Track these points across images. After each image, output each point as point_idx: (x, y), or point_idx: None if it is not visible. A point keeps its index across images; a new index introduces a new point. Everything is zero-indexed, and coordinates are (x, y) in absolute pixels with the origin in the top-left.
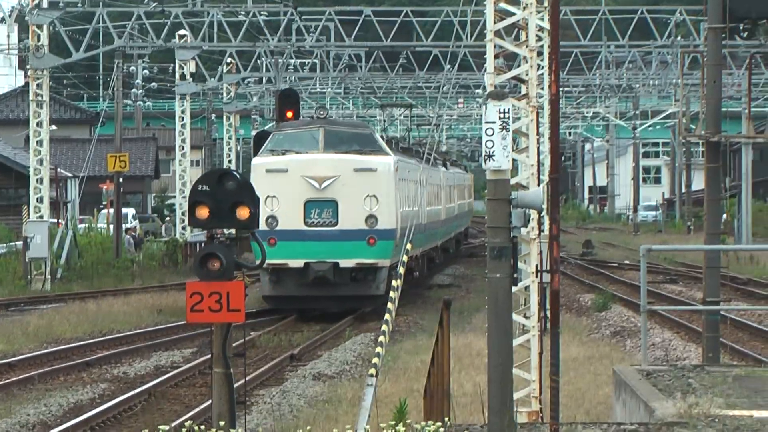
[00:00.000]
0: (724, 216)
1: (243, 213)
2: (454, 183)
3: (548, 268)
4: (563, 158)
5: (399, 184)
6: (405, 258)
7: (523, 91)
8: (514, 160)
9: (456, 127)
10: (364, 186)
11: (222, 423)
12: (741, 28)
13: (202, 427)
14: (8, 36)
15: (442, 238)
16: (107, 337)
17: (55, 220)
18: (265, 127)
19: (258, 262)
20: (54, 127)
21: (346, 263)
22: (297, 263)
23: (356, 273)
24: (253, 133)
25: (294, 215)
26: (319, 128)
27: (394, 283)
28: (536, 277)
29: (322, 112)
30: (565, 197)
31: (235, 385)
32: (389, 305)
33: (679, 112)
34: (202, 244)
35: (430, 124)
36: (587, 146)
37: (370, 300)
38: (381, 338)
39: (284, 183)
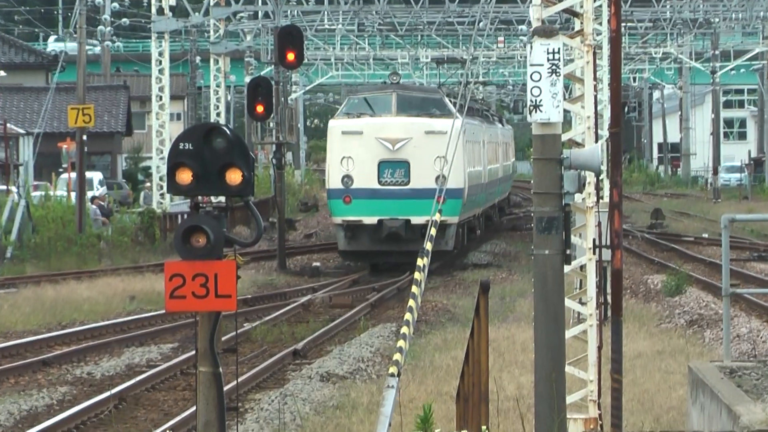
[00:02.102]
0: None
1: (234, 177)
2: (493, 139)
3: (608, 243)
4: (626, 109)
5: (467, 146)
6: (433, 231)
7: (577, 27)
8: (566, 111)
9: (495, 71)
10: (435, 148)
11: None
12: None
13: None
14: None
15: (483, 205)
16: (68, 330)
17: (4, 187)
18: (262, 72)
19: (255, 236)
20: (2, 73)
21: (417, 220)
22: (371, 220)
23: (426, 229)
24: (247, 79)
25: (368, 175)
26: (392, 93)
27: (419, 261)
28: (594, 254)
29: (395, 78)
30: (630, 157)
31: (226, 388)
32: (414, 289)
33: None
34: (185, 216)
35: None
36: (656, 94)
37: (439, 255)
38: (404, 329)
39: (359, 144)
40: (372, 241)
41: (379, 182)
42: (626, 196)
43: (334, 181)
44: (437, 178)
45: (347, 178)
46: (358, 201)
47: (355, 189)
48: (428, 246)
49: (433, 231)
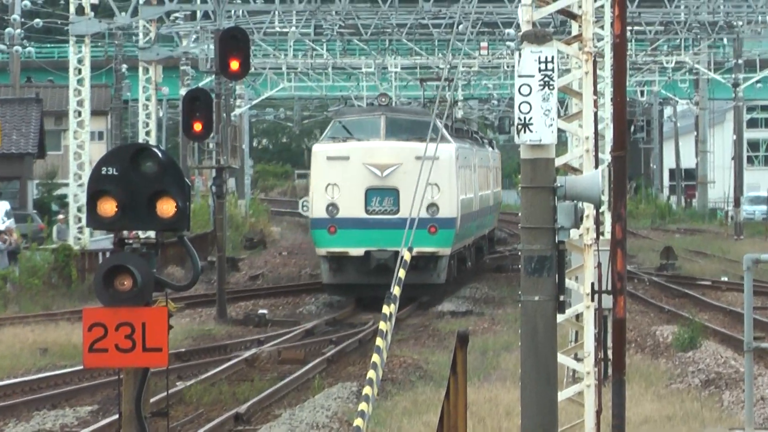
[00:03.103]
0: None
1: (167, 208)
2: (484, 164)
3: (609, 287)
4: (633, 128)
5: (459, 172)
6: (402, 273)
7: (575, 32)
8: (560, 131)
9: (477, 83)
10: (426, 174)
11: None
12: None
13: None
14: None
15: (474, 235)
16: None
17: None
18: (201, 84)
19: (191, 278)
20: None
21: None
22: (357, 251)
23: (417, 261)
24: (183, 92)
25: (355, 203)
26: (381, 115)
27: (385, 309)
28: (592, 300)
29: (383, 99)
30: (636, 185)
31: None
32: (378, 341)
33: None
34: (107, 254)
35: (438, 79)
36: (667, 111)
37: (430, 288)
38: (366, 390)
39: (345, 170)
40: (359, 273)
41: (367, 211)
42: (631, 232)
43: (318, 210)
44: (429, 206)
45: (332, 207)
46: (343, 231)
47: (341, 218)
48: (395, 290)
49: (401, 273)
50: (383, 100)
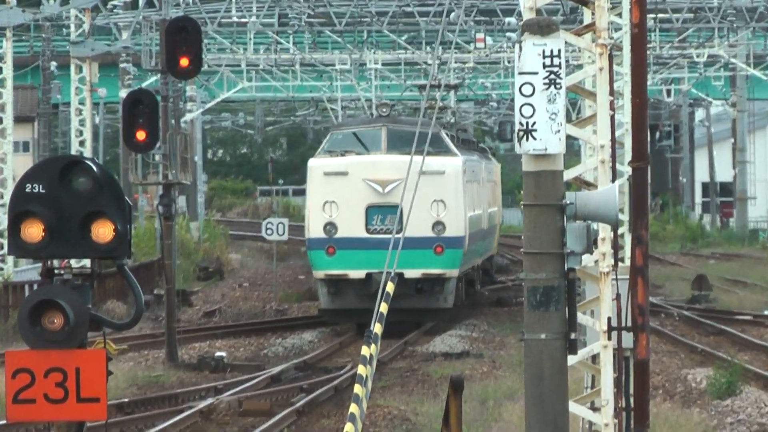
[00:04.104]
0: None
1: (104, 232)
2: (490, 178)
3: (630, 323)
4: (658, 135)
5: (467, 187)
6: (384, 308)
7: (587, 20)
8: (570, 138)
9: (472, 82)
10: (431, 190)
11: None
12: None
13: None
14: None
15: (482, 255)
16: None
17: None
18: (144, 84)
19: (134, 315)
20: None
21: (411, 274)
22: (358, 274)
23: (422, 284)
24: (123, 94)
25: (354, 222)
26: (382, 127)
27: (365, 350)
28: (610, 339)
29: (384, 110)
30: (662, 202)
31: None
32: (357, 389)
33: None
34: (34, 287)
35: (438, 87)
36: (699, 114)
37: (436, 314)
38: None
39: (344, 187)
40: (359, 297)
41: (367, 230)
42: (657, 258)
43: (315, 230)
44: (434, 225)
45: (330, 226)
46: (343, 252)
47: (340, 238)
48: (377, 328)
49: (383, 308)
50: (384, 110)
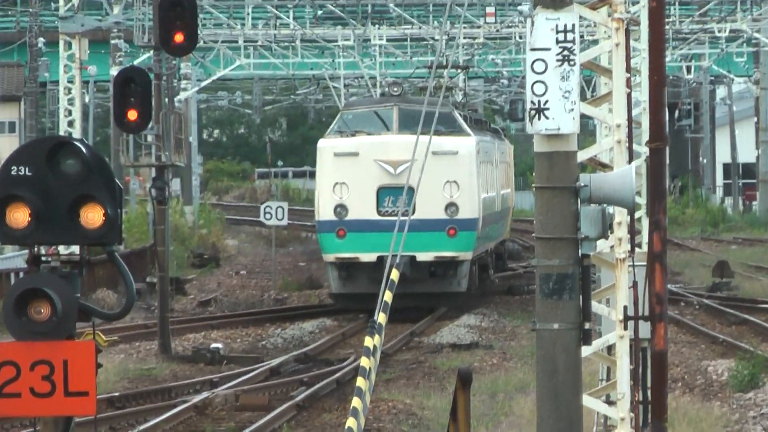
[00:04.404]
0: None
1: (93, 217)
2: (504, 159)
3: (647, 312)
4: (677, 114)
5: (480, 168)
6: (388, 296)
7: None
8: (585, 117)
9: (482, 58)
10: (444, 171)
11: None
12: None
13: None
14: None
15: (495, 239)
16: None
17: None
18: (136, 61)
19: (125, 304)
20: None
21: (423, 257)
22: (369, 257)
23: (435, 267)
24: (114, 71)
25: (366, 204)
26: (393, 107)
27: (368, 341)
28: (626, 329)
29: (396, 89)
30: (682, 184)
31: None
32: (360, 381)
33: None
34: (20, 275)
35: (434, 55)
36: (720, 92)
37: (450, 297)
38: None
39: (355, 168)
40: (370, 281)
41: (379, 212)
42: (676, 243)
43: (325, 212)
44: (447, 206)
45: (341, 208)
46: (353, 235)
47: (350, 220)
48: (381, 318)
49: (387, 297)
50: (395, 89)
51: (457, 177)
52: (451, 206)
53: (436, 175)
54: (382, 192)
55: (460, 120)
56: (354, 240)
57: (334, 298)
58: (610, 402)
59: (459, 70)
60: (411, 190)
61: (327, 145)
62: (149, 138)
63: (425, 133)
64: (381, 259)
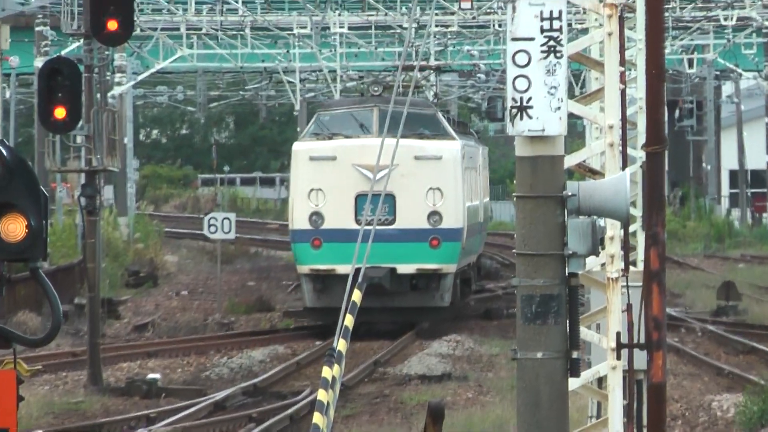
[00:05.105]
0: None
1: (14, 228)
2: (485, 164)
3: (643, 340)
4: (677, 114)
5: (465, 174)
6: (349, 320)
7: None
8: (573, 117)
9: (456, 49)
10: (427, 177)
11: None
12: None
13: None
14: None
15: (478, 251)
16: None
17: None
18: (64, 52)
19: (50, 329)
20: None
21: (404, 269)
22: (346, 269)
23: (417, 280)
24: (39, 62)
25: (343, 211)
26: (373, 108)
27: (326, 372)
28: (618, 358)
29: (376, 89)
30: (683, 194)
31: None
32: (317, 418)
33: None
34: None
35: (401, 45)
36: (727, 88)
37: (432, 312)
38: None
39: (331, 173)
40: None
41: (357, 221)
42: (675, 261)
43: (299, 220)
44: (430, 215)
45: (316, 216)
46: (330, 245)
47: (327, 230)
48: (340, 345)
49: (348, 321)
50: (376, 89)
51: (440, 184)
52: (435, 215)
53: (419, 181)
54: (361, 199)
55: (445, 123)
56: (330, 251)
57: (307, 313)
58: None
59: (431, 71)
60: (391, 198)
61: (302, 149)
62: (78, 139)
63: (407, 136)
64: (359, 271)
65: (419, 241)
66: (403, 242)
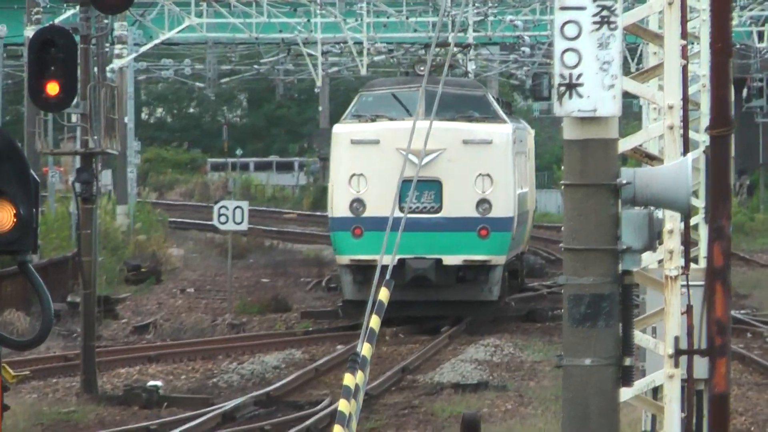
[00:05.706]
0: None
1: (1, 217)
2: (520, 149)
3: (704, 345)
4: (745, 92)
5: (516, 159)
6: (375, 322)
7: None
8: (628, 96)
9: (497, 20)
10: (476, 162)
11: None
12: None
13: None
14: None
15: (525, 242)
16: None
17: None
18: (58, 20)
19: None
20: None
21: (451, 260)
22: (388, 259)
23: (464, 272)
24: (30, 32)
25: (386, 199)
26: (419, 88)
27: (348, 379)
28: (677, 366)
29: (422, 68)
30: (751, 182)
31: None
32: (337, 431)
33: None
34: None
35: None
36: None
37: (480, 307)
38: None
39: (374, 158)
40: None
41: (401, 209)
42: (742, 257)
43: (339, 207)
44: (479, 203)
45: (357, 203)
46: (371, 234)
47: (369, 218)
48: (365, 349)
49: (374, 322)
50: (422, 68)
51: (490, 170)
52: (484, 203)
53: (467, 167)
54: (406, 186)
55: (495, 104)
56: (372, 240)
57: (346, 306)
58: None
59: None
60: (438, 184)
61: (343, 131)
62: (73, 118)
63: (455, 119)
64: (403, 262)
65: (467, 230)
66: (450, 232)
